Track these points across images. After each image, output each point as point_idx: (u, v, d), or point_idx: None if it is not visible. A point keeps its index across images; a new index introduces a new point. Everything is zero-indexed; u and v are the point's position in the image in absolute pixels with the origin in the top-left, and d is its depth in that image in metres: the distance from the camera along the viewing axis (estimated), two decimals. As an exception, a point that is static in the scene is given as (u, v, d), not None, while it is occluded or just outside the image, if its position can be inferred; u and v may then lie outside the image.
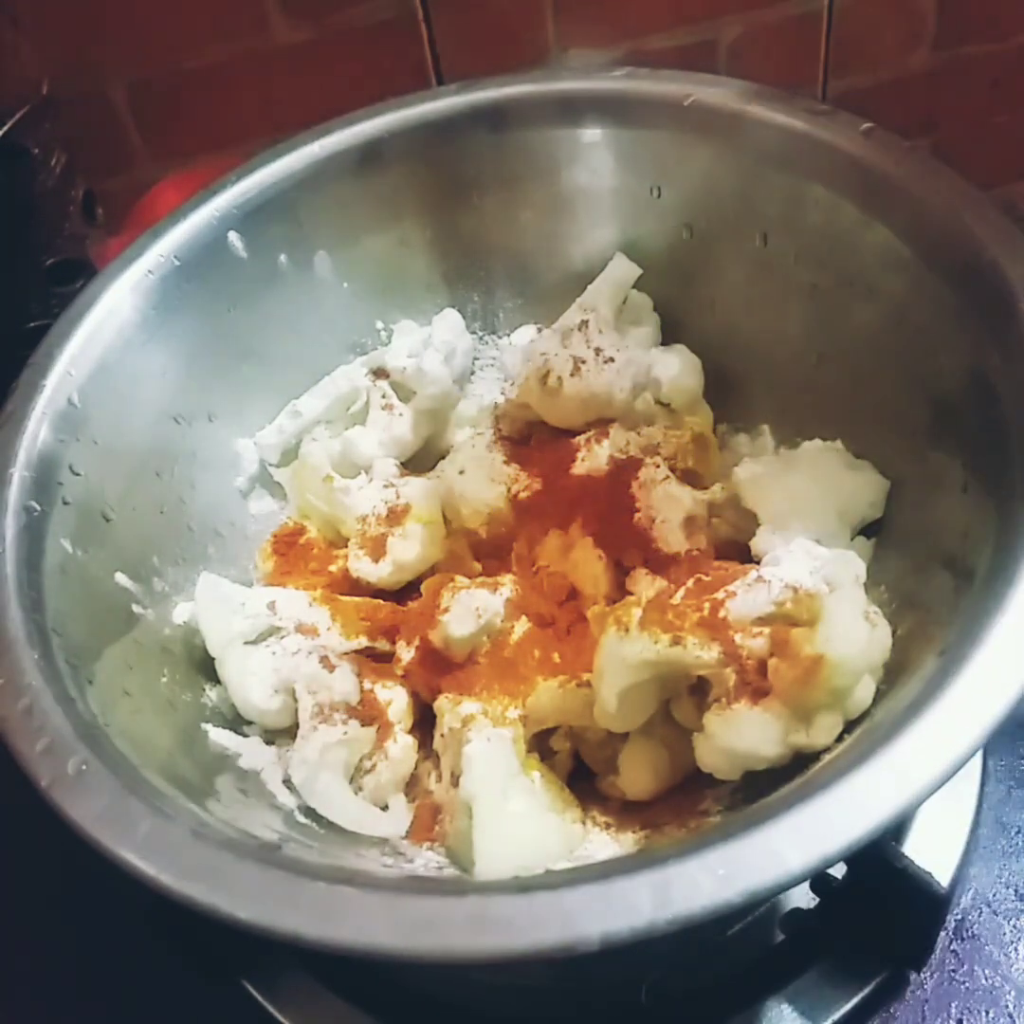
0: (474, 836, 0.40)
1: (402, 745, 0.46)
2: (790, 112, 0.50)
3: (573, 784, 0.45)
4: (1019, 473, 0.38)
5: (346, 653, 0.48)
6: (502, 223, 0.58)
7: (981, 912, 0.46)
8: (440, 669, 0.47)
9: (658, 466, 0.51)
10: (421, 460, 0.57)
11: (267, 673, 0.47)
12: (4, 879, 0.53)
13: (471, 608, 0.47)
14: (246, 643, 0.48)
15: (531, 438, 0.56)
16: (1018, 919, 0.46)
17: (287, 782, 0.44)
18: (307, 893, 0.31)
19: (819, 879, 0.44)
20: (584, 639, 0.47)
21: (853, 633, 0.38)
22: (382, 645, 0.50)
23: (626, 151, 0.55)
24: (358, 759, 0.45)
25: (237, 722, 0.47)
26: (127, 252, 0.51)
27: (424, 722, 0.48)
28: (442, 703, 0.46)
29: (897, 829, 0.46)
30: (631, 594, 0.45)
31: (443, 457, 0.56)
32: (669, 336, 0.58)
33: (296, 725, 0.46)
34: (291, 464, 0.56)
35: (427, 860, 0.42)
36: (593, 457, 0.52)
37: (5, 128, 0.62)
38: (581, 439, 0.53)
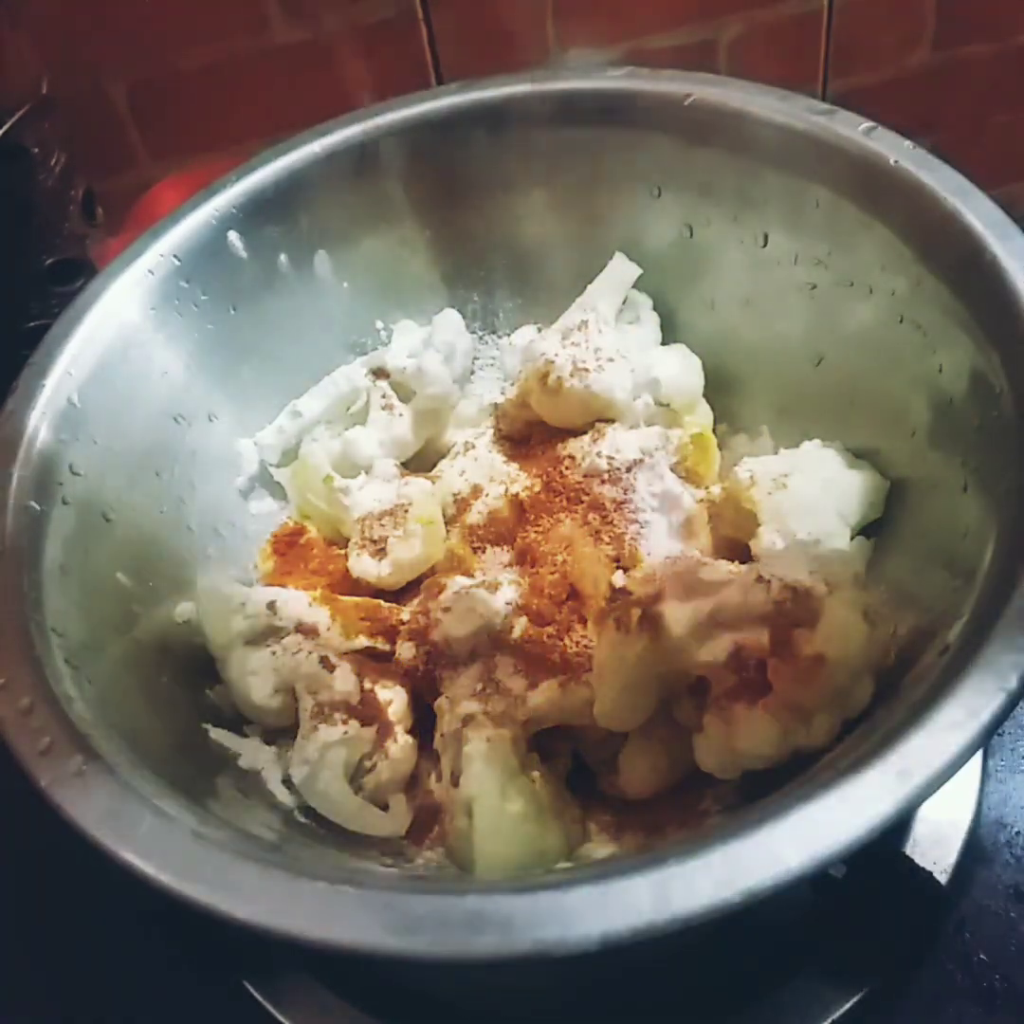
0: (474, 836, 0.40)
1: (402, 745, 0.46)
2: (790, 111, 0.50)
3: (573, 784, 0.45)
4: (1019, 472, 0.38)
5: (346, 653, 0.48)
6: (502, 223, 0.58)
7: (981, 911, 0.46)
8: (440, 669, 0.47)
9: (658, 466, 0.51)
10: (421, 460, 0.57)
11: (267, 673, 0.47)
12: (3, 880, 0.53)
13: (471, 608, 0.47)
14: (246, 643, 0.48)
15: (531, 438, 0.56)
16: (1019, 919, 0.46)
17: (287, 782, 0.44)
18: (307, 893, 0.31)
19: (819, 878, 0.44)
20: (584, 639, 0.47)
21: (853, 633, 0.38)
22: (382, 645, 0.50)
23: (626, 151, 0.55)
24: (358, 759, 0.45)
25: (237, 722, 0.47)
26: (127, 252, 0.52)
27: (424, 722, 0.48)
28: (442, 703, 0.46)
29: (897, 828, 0.46)
30: (630, 594, 0.45)
31: (443, 457, 0.56)
32: (669, 336, 0.58)
33: (296, 725, 0.46)
34: (291, 464, 0.56)
35: (427, 860, 0.42)
36: (593, 457, 0.52)
37: (5, 128, 0.62)
38: (581, 439, 0.53)
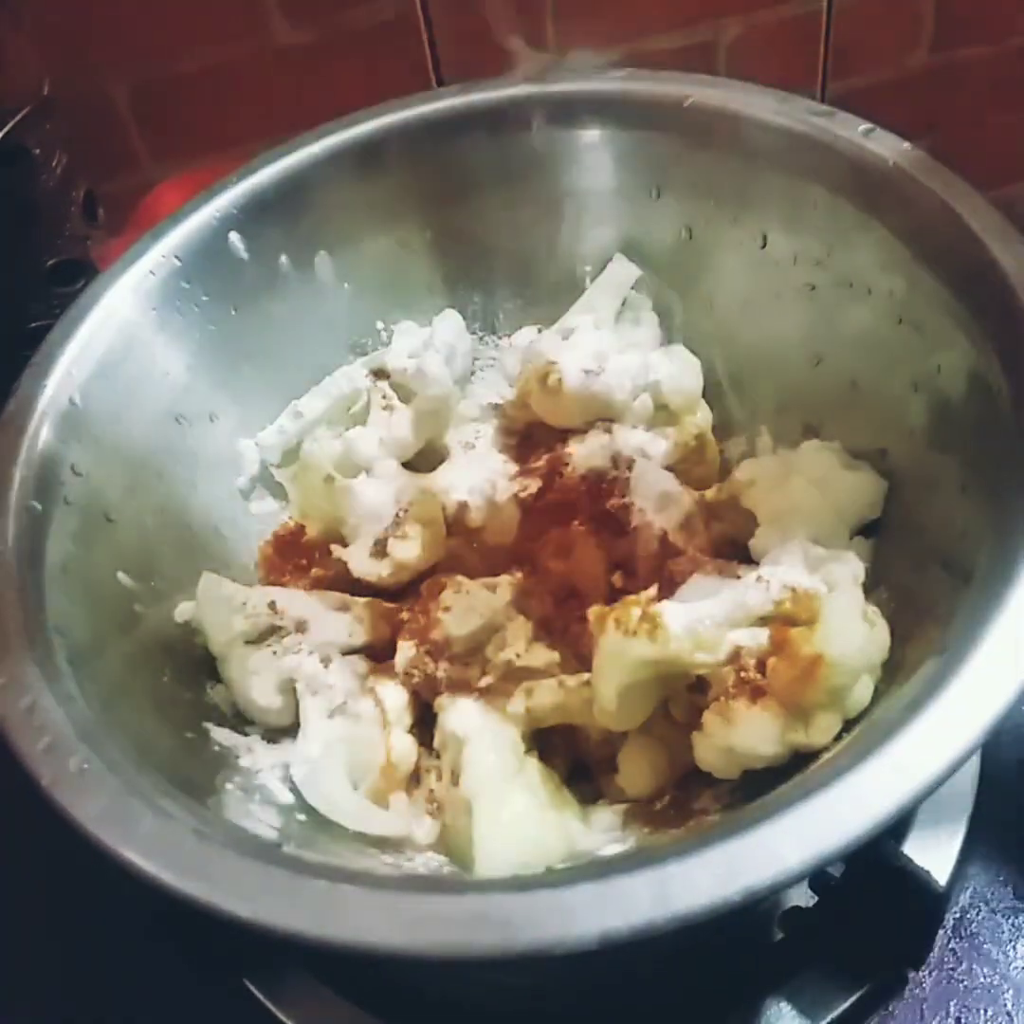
0: (474, 835, 0.40)
1: (402, 744, 0.46)
2: (789, 113, 0.50)
3: (573, 783, 0.45)
4: (1018, 472, 0.38)
5: (347, 652, 0.49)
6: (502, 224, 0.58)
7: (979, 910, 0.47)
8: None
9: (657, 466, 0.51)
10: (421, 460, 0.57)
11: (268, 672, 0.47)
12: (4, 879, 0.53)
13: (471, 608, 0.47)
14: (247, 643, 0.48)
15: (531, 438, 0.56)
16: (1016, 918, 0.46)
17: (288, 781, 0.44)
18: (307, 891, 0.31)
19: (818, 877, 0.44)
20: (584, 639, 0.47)
21: (851, 633, 0.38)
22: (382, 645, 0.50)
23: (626, 152, 0.55)
24: (359, 758, 0.45)
25: (238, 721, 0.47)
26: (128, 253, 0.52)
27: (424, 721, 0.48)
28: (442, 702, 0.46)
29: (896, 827, 0.46)
30: (630, 594, 0.45)
31: (443, 457, 0.57)
32: (669, 337, 0.58)
33: (297, 724, 0.46)
34: (292, 464, 0.57)
35: (427, 859, 0.42)
36: (593, 457, 0.52)
37: (6, 129, 0.62)
38: (581, 439, 0.53)
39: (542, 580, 0.49)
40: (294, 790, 0.44)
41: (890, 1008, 0.44)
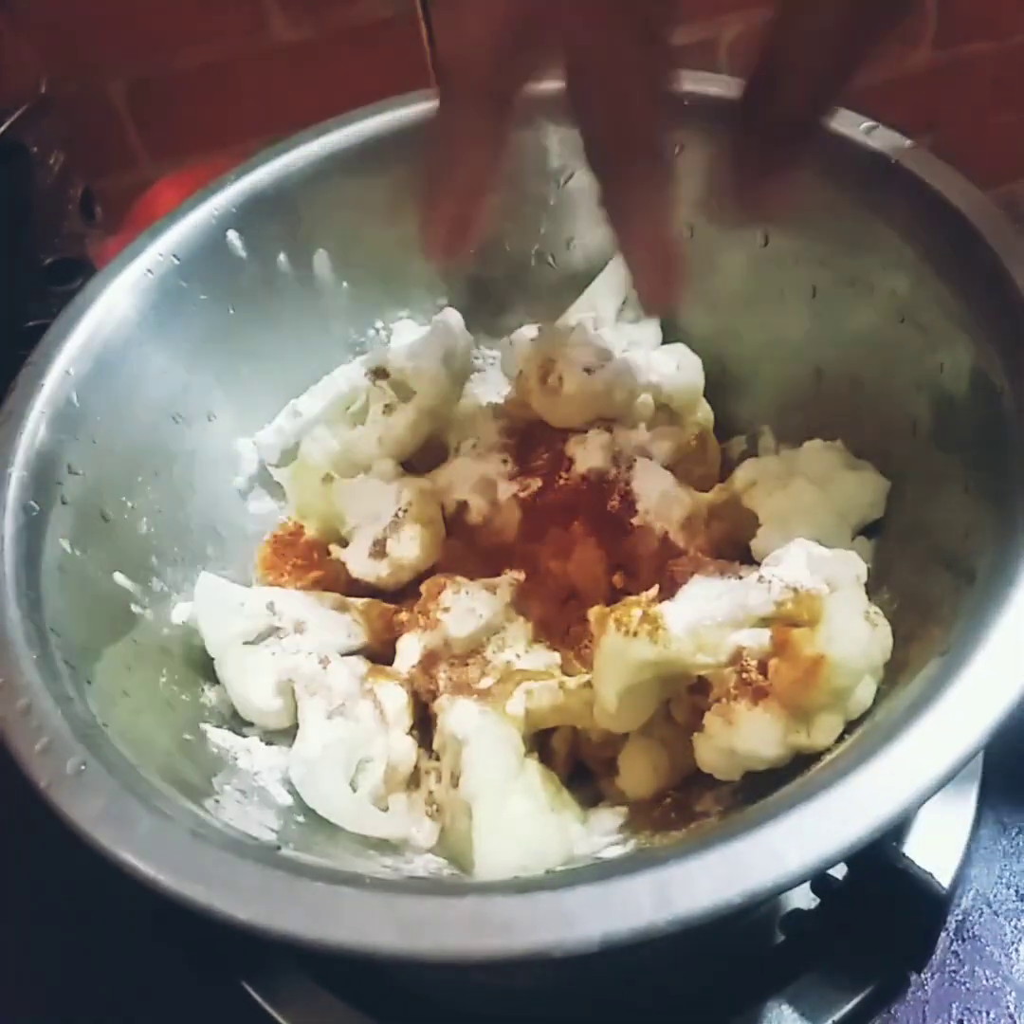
0: (474, 837, 0.39)
1: (402, 745, 0.46)
2: (791, 110, 0.50)
3: (574, 785, 0.45)
4: (1021, 472, 0.38)
5: (346, 653, 0.48)
6: (502, 222, 0.58)
7: (982, 913, 0.46)
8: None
9: (658, 466, 0.51)
10: (421, 460, 0.57)
11: (267, 673, 0.46)
12: (5, 879, 0.53)
13: (471, 608, 0.47)
14: (245, 643, 0.48)
15: (531, 438, 0.56)
16: (1019, 920, 0.46)
17: (286, 782, 0.44)
18: (306, 893, 0.31)
19: (819, 880, 0.44)
20: (585, 640, 0.46)
21: (854, 633, 0.38)
22: (381, 646, 0.49)
23: (626, 150, 0.55)
24: (357, 759, 0.45)
25: (236, 722, 0.47)
26: (126, 251, 0.51)
27: (424, 723, 0.48)
28: (442, 703, 0.46)
29: (898, 830, 0.45)
30: (631, 594, 0.45)
31: (443, 457, 0.56)
32: (669, 336, 0.58)
33: (295, 725, 0.46)
34: (290, 464, 0.56)
35: (427, 861, 0.42)
36: (593, 457, 0.51)
37: (4, 127, 0.62)
38: (581, 438, 0.53)
39: (542, 581, 0.49)
40: (292, 792, 0.44)
41: (892, 1011, 0.44)
